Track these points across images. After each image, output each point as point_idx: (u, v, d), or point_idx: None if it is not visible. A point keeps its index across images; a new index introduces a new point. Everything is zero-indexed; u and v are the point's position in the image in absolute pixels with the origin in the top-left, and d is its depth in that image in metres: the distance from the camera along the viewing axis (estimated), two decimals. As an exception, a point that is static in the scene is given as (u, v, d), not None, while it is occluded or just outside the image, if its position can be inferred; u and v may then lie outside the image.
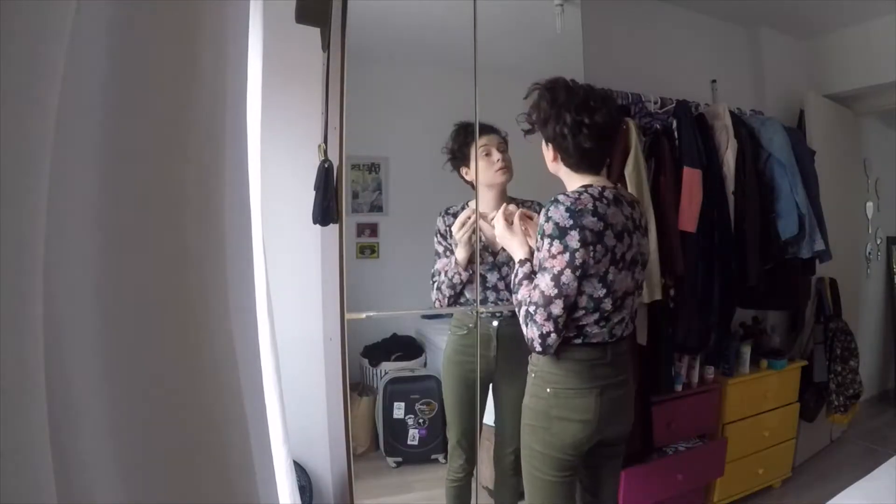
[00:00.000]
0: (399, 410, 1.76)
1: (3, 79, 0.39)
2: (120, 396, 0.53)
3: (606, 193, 1.20)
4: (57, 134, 0.44)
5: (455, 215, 1.60)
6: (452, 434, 1.64)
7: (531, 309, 1.17)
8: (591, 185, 1.21)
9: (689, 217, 1.97)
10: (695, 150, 2.03)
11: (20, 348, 0.41)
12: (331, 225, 1.46)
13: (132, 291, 0.55)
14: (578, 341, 1.21)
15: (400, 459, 1.76)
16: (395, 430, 1.76)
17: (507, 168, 1.57)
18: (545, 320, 1.15)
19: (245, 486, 0.64)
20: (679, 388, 2.16)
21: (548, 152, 1.28)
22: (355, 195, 1.60)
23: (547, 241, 1.15)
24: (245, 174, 0.75)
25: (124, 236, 0.54)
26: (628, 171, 1.84)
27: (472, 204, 1.59)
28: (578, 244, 1.12)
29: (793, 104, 2.81)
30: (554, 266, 1.14)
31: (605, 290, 1.17)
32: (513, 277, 1.28)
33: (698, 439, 2.23)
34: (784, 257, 2.29)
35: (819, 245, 2.26)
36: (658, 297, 1.88)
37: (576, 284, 1.14)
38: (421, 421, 1.77)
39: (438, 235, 1.62)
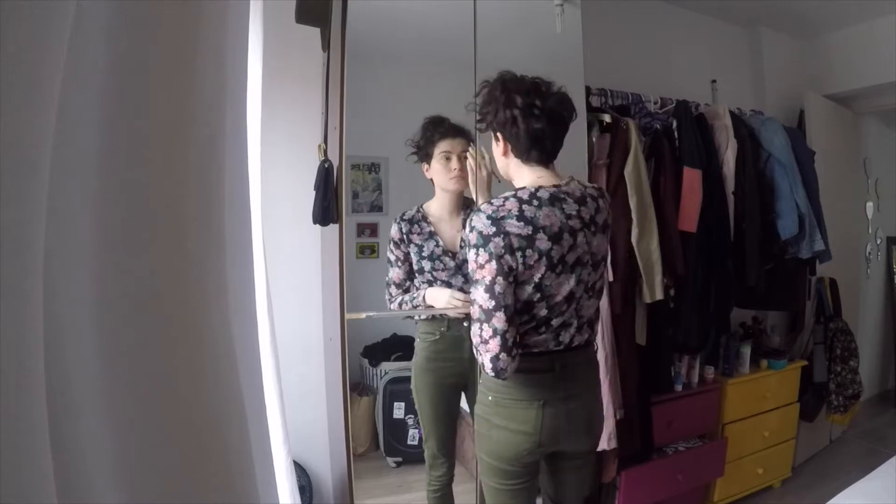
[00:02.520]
0: (399, 410, 1.76)
1: (3, 79, 0.39)
2: (120, 396, 0.53)
3: (540, 193, 1.11)
4: (57, 134, 0.44)
5: (410, 220, 1.55)
6: (431, 444, 1.59)
7: (476, 328, 1.10)
8: (523, 188, 1.14)
9: (689, 217, 1.97)
10: (695, 150, 2.03)
11: (20, 348, 0.41)
12: (331, 225, 1.46)
13: (132, 291, 0.55)
14: (518, 350, 1.12)
15: (400, 459, 1.76)
16: (395, 430, 1.76)
17: (462, 177, 1.52)
18: (491, 337, 1.08)
19: (245, 486, 0.64)
20: (679, 388, 2.16)
21: (497, 147, 1.21)
22: (355, 195, 1.60)
23: (472, 251, 1.09)
24: (245, 174, 0.75)
25: (124, 236, 0.54)
26: (628, 171, 1.84)
27: (427, 207, 1.56)
28: (503, 250, 1.06)
29: (793, 104, 2.81)
30: (485, 276, 1.07)
31: (538, 294, 1.10)
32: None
33: (698, 439, 2.23)
34: (784, 257, 2.29)
35: (819, 245, 2.26)
36: (659, 296, 1.88)
37: (511, 292, 1.08)
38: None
39: (392, 244, 1.55)
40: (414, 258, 1.54)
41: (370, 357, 1.75)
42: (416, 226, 1.55)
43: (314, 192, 1.44)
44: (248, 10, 0.76)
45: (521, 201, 1.10)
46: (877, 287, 3.65)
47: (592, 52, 1.85)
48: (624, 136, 1.87)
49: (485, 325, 1.09)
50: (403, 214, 1.56)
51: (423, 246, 1.53)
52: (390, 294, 1.56)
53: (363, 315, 1.51)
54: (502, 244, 1.06)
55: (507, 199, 1.11)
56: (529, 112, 1.12)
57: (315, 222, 1.44)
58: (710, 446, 2.21)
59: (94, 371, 0.52)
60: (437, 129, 1.54)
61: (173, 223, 0.58)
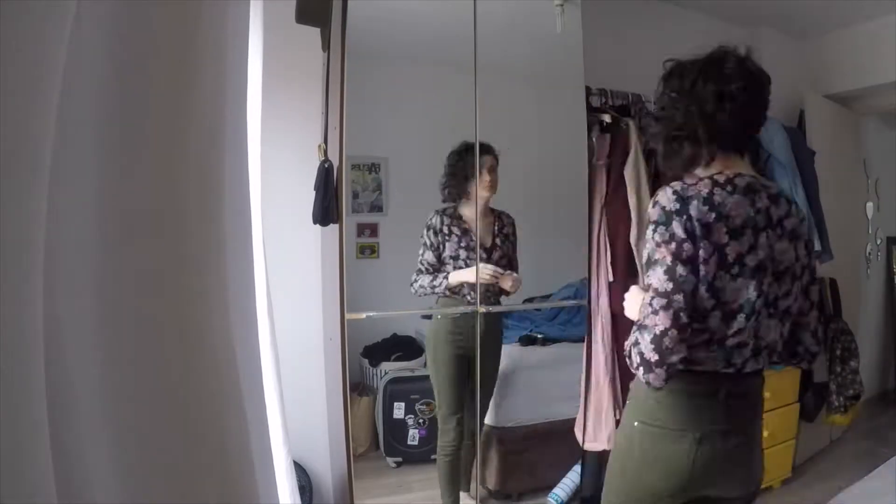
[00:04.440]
0: (399, 410, 1.76)
1: (3, 79, 0.39)
2: (120, 396, 0.53)
3: (737, 180, 0.96)
4: (57, 134, 0.44)
5: (451, 216, 1.70)
6: (444, 408, 1.72)
7: (649, 321, 0.91)
8: (720, 172, 0.98)
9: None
10: (695, 150, 2.03)
11: (20, 348, 0.41)
12: (331, 225, 1.46)
13: (132, 291, 0.55)
14: (682, 366, 0.92)
15: (400, 459, 1.76)
16: (395, 430, 1.76)
17: (492, 185, 1.72)
18: (663, 308, 0.89)
19: (245, 486, 0.64)
20: (679, 388, 2.15)
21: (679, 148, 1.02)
22: (355, 195, 1.60)
23: (651, 227, 0.94)
24: (245, 174, 0.75)
25: (124, 237, 0.54)
26: (628, 171, 1.85)
27: (460, 210, 1.73)
28: (684, 234, 0.91)
29: (793, 104, 2.81)
30: (665, 257, 0.91)
31: (713, 301, 0.92)
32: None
33: (698, 439, 2.22)
34: (784, 257, 2.29)
35: (817, 245, 2.26)
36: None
37: (694, 282, 0.91)
38: (421, 421, 1.77)
39: (430, 231, 1.70)
40: (449, 251, 1.70)
41: (370, 357, 1.75)
42: (455, 220, 1.72)
43: (314, 193, 1.44)
44: (248, 10, 0.76)
45: (715, 183, 0.95)
46: (877, 287, 3.65)
47: (592, 52, 1.85)
48: (624, 136, 1.88)
49: (660, 314, 0.89)
50: (446, 209, 1.72)
51: (461, 238, 1.71)
52: (417, 274, 1.70)
53: (363, 315, 1.51)
54: (684, 226, 0.91)
55: (701, 179, 0.97)
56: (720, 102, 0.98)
57: (315, 222, 1.44)
58: (710, 446, 2.20)
59: (94, 371, 0.52)
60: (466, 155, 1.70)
61: (173, 223, 0.58)
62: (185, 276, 0.59)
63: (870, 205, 3.46)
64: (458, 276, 1.69)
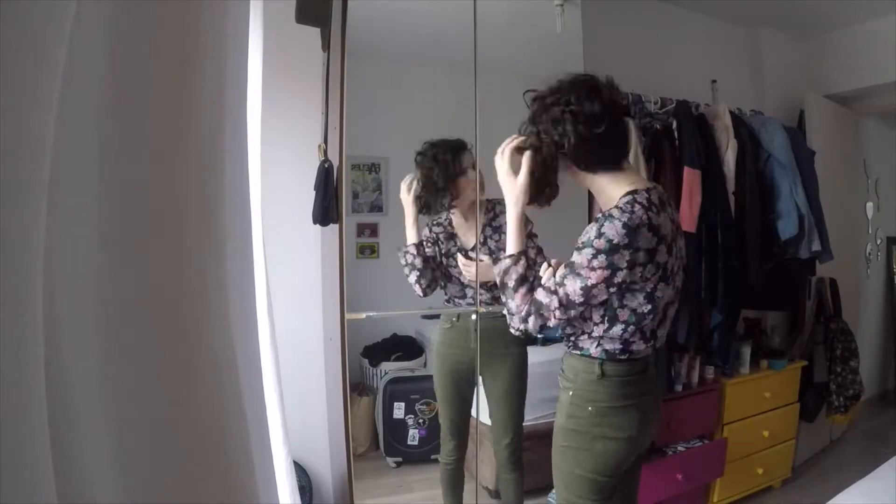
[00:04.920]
0: (399, 410, 1.76)
1: (3, 79, 0.39)
2: (120, 396, 0.53)
3: (653, 197, 1.08)
4: (57, 134, 0.44)
5: (442, 224, 1.66)
6: (443, 421, 1.69)
7: (544, 298, 1.09)
8: (637, 191, 1.08)
9: (688, 217, 1.97)
10: (695, 151, 2.03)
11: (20, 348, 0.41)
12: (331, 225, 1.46)
13: (132, 291, 0.55)
14: (624, 357, 1.13)
15: (400, 459, 1.76)
16: (395, 430, 1.76)
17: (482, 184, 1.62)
18: (557, 319, 1.09)
19: (245, 487, 0.64)
20: (679, 388, 2.16)
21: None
22: (355, 195, 1.60)
23: (590, 251, 1.04)
24: (245, 174, 0.75)
25: (124, 236, 0.54)
26: (628, 171, 1.84)
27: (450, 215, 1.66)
28: (625, 265, 1.03)
29: (793, 104, 2.81)
30: (590, 277, 1.04)
31: (650, 307, 1.08)
32: (500, 274, 1.17)
33: (698, 439, 2.23)
34: (784, 258, 2.30)
35: (816, 245, 2.26)
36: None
37: (603, 299, 1.08)
38: (421, 421, 1.77)
39: (428, 242, 1.64)
40: (441, 252, 1.65)
41: (370, 357, 1.75)
42: (442, 226, 1.66)
43: (314, 192, 1.44)
44: (248, 10, 0.76)
45: (645, 207, 1.05)
46: (877, 287, 3.65)
47: (592, 52, 1.85)
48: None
49: (557, 306, 1.08)
50: (435, 220, 1.66)
51: (446, 242, 1.65)
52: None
53: (363, 315, 1.52)
54: (627, 259, 1.02)
55: (633, 205, 1.05)
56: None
57: (315, 222, 1.44)
58: (710, 446, 2.20)
59: (94, 371, 0.52)
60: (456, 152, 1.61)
61: (173, 223, 0.58)
62: (185, 275, 0.58)
63: (870, 205, 3.46)
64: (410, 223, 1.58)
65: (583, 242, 1.06)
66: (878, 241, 3.60)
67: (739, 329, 2.51)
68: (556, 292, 1.08)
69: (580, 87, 1.11)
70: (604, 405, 1.13)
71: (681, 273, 1.17)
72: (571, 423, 1.16)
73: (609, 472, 1.15)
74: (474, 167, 1.60)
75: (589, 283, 1.05)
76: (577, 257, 1.07)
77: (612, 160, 1.12)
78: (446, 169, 1.58)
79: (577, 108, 1.08)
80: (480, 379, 1.67)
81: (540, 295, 1.11)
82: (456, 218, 1.66)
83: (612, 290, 1.06)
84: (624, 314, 1.09)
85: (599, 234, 1.04)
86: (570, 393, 1.17)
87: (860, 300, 3.26)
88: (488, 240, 1.64)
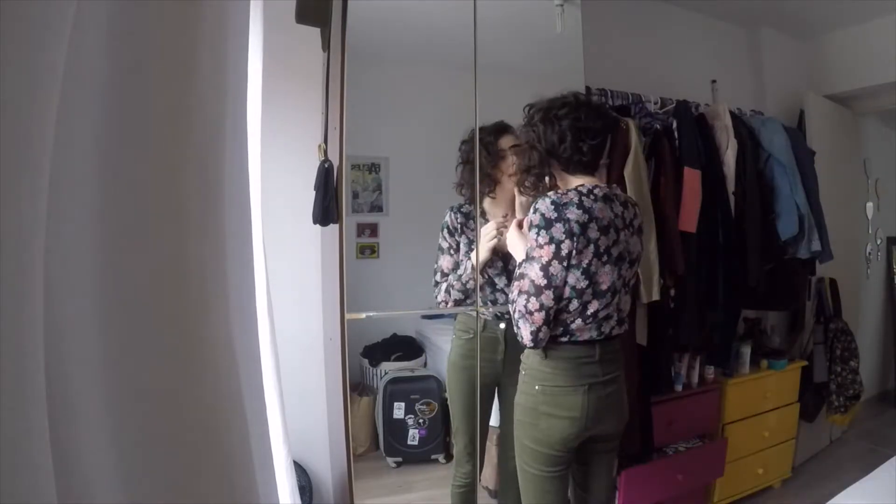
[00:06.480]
0: (399, 410, 1.76)
1: (3, 79, 0.39)
2: (120, 396, 0.53)
3: (595, 191, 1.24)
4: (57, 134, 0.44)
5: (466, 214, 1.59)
6: (459, 440, 1.61)
7: (522, 300, 1.20)
8: (583, 185, 1.26)
9: (689, 217, 1.97)
10: (695, 151, 2.03)
11: (20, 348, 0.41)
12: (331, 225, 1.46)
13: (132, 291, 0.55)
14: (565, 339, 1.24)
15: (400, 459, 1.76)
16: (395, 430, 1.76)
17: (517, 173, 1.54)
18: (536, 311, 1.19)
19: (245, 486, 0.64)
20: (679, 388, 2.16)
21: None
22: (355, 195, 1.60)
23: (534, 231, 1.20)
24: (245, 174, 0.75)
25: (124, 236, 0.54)
26: (628, 171, 1.84)
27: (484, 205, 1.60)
28: (563, 235, 1.17)
29: (793, 104, 2.81)
30: (542, 256, 1.18)
31: (587, 282, 1.20)
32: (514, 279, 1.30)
33: (698, 439, 2.23)
34: (784, 257, 2.30)
35: (816, 245, 2.26)
36: (656, 297, 1.88)
37: (564, 276, 1.18)
38: (421, 421, 1.77)
39: (445, 231, 1.60)
40: (464, 248, 1.60)
41: (370, 357, 1.75)
42: (471, 220, 1.59)
43: (314, 192, 1.44)
44: (248, 10, 0.76)
45: (580, 194, 1.22)
46: (877, 287, 3.65)
47: (592, 52, 1.85)
48: (624, 136, 1.87)
49: (532, 299, 1.19)
50: (461, 206, 1.60)
51: (473, 239, 1.59)
52: (436, 280, 1.60)
53: (363, 315, 1.51)
54: (563, 229, 1.17)
55: (568, 191, 1.23)
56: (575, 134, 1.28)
57: (315, 222, 1.44)
58: (710, 446, 2.20)
59: (94, 371, 0.52)
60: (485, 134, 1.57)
61: (173, 223, 0.58)
62: (185, 275, 0.58)
63: (870, 205, 3.46)
64: (482, 252, 1.54)
65: (528, 226, 1.22)
66: (878, 241, 3.60)
67: (739, 329, 2.51)
68: (525, 290, 1.20)
69: (580, 104, 1.29)
70: (549, 385, 1.26)
71: (628, 267, 1.27)
72: (523, 399, 1.31)
73: (554, 447, 1.26)
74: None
75: (543, 262, 1.18)
76: (528, 243, 1.22)
77: (586, 165, 1.30)
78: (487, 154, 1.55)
79: (571, 122, 1.27)
80: (497, 388, 1.63)
81: (520, 299, 1.22)
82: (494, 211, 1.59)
83: (564, 263, 1.18)
84: (566, 291, 1.20)
85: (535, 210, 1.21)
86: (524, 372, 1.32)
87: (860, 300, 3.26)
88: None
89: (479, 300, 1.60)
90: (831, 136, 2.81)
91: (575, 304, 1.21)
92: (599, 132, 1.29)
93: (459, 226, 1.59)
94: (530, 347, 1.24)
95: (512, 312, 1.25)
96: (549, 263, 1.18)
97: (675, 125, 2.07)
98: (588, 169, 1.30)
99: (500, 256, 1.58)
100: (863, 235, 3.44)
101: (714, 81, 2.48)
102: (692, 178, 1.99)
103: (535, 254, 1.20)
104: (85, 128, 0.51)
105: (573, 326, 1.23)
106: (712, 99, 2.44)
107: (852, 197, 3.19)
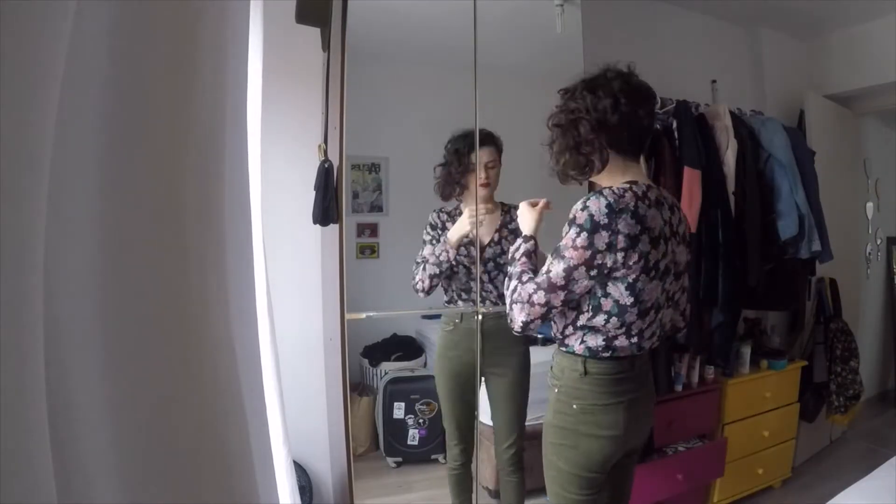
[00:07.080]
0: (399, 410, 1.76)
1: (3, 79, 0.39)
2: (120, 396, 0.53)
3: (650, 194, 1.12)
4: (57, 134, 0.44)
5: (449, 213, 1.65)
6: (446, 425, 1.67)
7: (530, 287, 1.12)
8: (636, 182, 1.13)
9: (688, 217, 1.97)
10: (695, 151, 2.03)
11: (20, 348, 0.40)
12: (331, 225, 1.46)
13: (132, 291, 0.55)
14: (607, 354, 1.15)
15: (400, 459, 1.76)
16: (395, 430, 1.76)
17: (488, 184, 1.62)
18: (539, 305, 1.10)
19: (245, 486, 0.64)
20: (679, 388, 2.16)
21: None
22: (355, 195, 1.60)
23: (575, 229, 1.07)
24: (245, 174, 0.75)
25: (124, 236, 0.54)
26: (628, 171, 1.84)
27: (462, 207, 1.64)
28: (605, 247, 1.06)
29: (793, 104, 2.81)
30: (572, 257, 1.07)
31: (632, 299, 1.10)
32: (512, 249, 1.25)
33: (698, 439, 2.23)
34: (784, 257, 2.30)
35: (816, 245, 2.26)
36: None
37: (585, 284, 1.09)
38: (421, 421, 1.77)
39: (428, 227, 1.65)
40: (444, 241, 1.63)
41: (370, 357, 1.76)
42: (454, 217, 1.64)
43: (314, 192, 1.44)
44: (248, 10, 0.76)
45: (636, 197, 1.09)
46: (877, 287, 3.65)
47: (592, 52, 1.85)
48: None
49: (541, 293, 1.10)
50: (443, 208, 1.66)
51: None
52: (415, 268, 1.61)
53: (363, 315, 1.51)
54: (607, 240, 1.05)
55: (625, 191, 1.09)
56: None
57: (315, 222, 1.44)
58: (710, 446, 2.20)
59: (94, 371, 0.52)
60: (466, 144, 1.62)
61: (173, 223, 0.58)
62: (185, 276, 0.58)
63: (870, 205, 3.46)
64: (455, 231, 1.58)
65: (570, 220, 1.10)
66: (878, 241, 3.60)
67: (739, 329, 2.51)
68: (538, 282, 1.11)
69: (630, 72, 1.21)
70: (588, 403, 1.16)
71: (673, 280, 1.18)
72: (558, 419, 1.19)
73: (594, 469, 1.17)
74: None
75: (571, 264, 1.08)
76: (564, 238, 1.10)
77: (635, 146, 1.17)
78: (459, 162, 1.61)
79: (622, 84, 1.17)
80: (483, 380, 1.66)
81: (528, 286, 1.13)
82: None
83: (592, 273, 1.08)
84: (607, 304, 1.11)
85: (584, 207, 1.08)
86: (557, 390, 1.20)
87: (860, 300, 3.26)
88: (503, 240, 1.64)
89: (478, 295, 1.61)
90: (831, 136, 2.81)
91: (615, 321, 1.11)
92: (651, 99, 1.17)
93: (441, 223, 1.64)
94: (517, 333, 1.17)
95: (508, 293, 1.17)
96: (575, 268, 1.07)
97: (675, 125, 2.07)
98: (639, 152, 1.18)
99: (472, 243, 1.63)
100: (863, 235, 3.44)
101: (714, 81, 2.48)
102: (692, 178, 2.00)
103: (567, 253, 1.08)
104: (85, 127, 0.51)
105: (617, 343, 1.14)
106: (712, 99, 2.44)
107: (852, 197, 3.19)
